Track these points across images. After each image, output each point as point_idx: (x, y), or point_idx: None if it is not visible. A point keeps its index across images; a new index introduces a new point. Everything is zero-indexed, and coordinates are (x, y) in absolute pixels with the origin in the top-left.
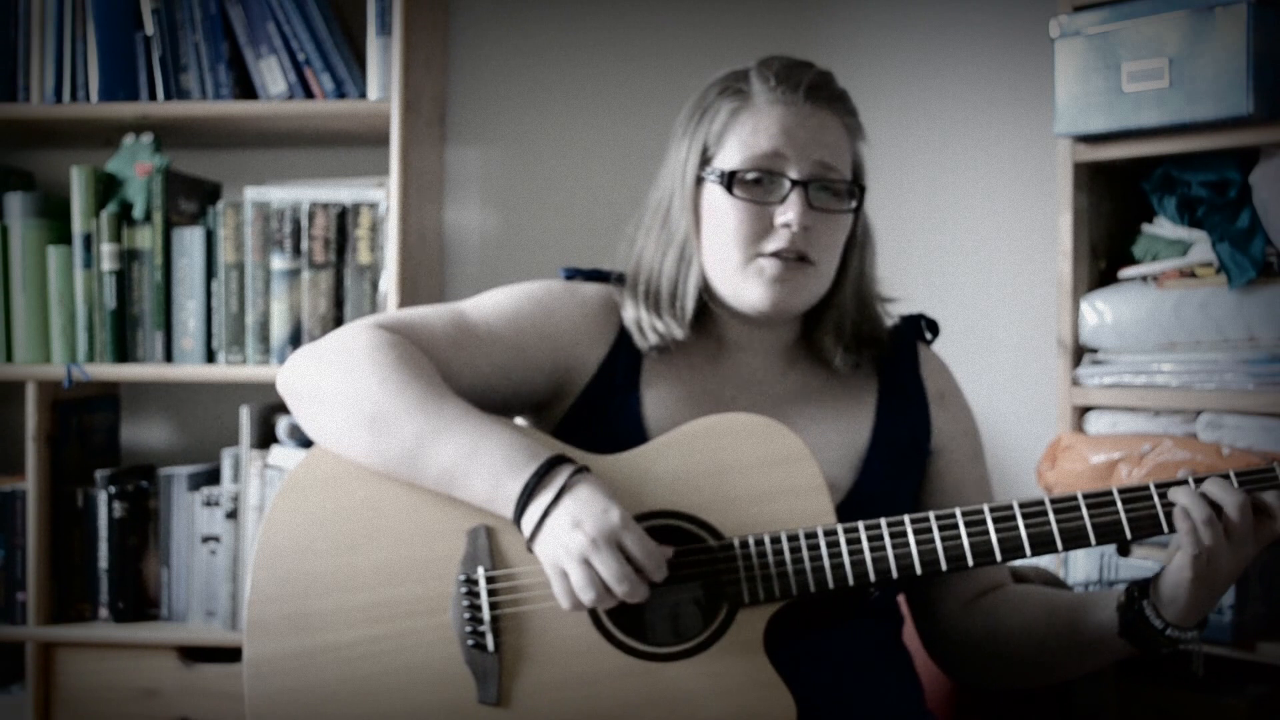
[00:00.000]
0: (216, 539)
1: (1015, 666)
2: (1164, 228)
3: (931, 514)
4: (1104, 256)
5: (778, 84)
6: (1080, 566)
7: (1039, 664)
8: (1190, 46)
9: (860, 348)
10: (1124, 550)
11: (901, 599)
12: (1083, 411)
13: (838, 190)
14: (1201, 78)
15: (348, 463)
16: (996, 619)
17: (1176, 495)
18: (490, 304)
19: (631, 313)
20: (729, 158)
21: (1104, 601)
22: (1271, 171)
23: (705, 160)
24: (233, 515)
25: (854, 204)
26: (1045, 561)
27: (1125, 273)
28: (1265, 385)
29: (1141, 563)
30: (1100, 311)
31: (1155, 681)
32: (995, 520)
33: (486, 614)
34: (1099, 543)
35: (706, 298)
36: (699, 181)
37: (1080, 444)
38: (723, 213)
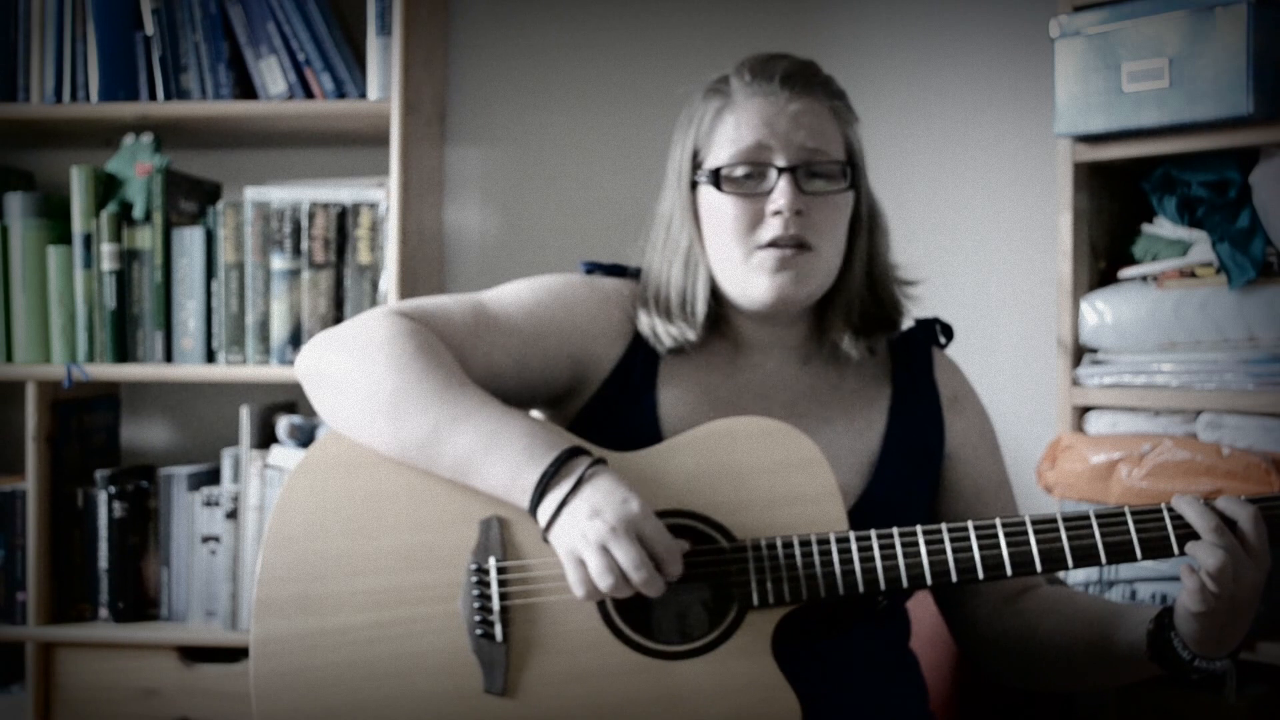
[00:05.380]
0: (216, 539)
1: (1048, 671)
2: (1164, 228)
3: (944, 525)
4: (1104, 256)
5: (753, 78)
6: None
7: (1071, 672)
8: (1190, 46)
9: (871, 331)
10: None
11: (927, 601)
12: (1083, 411)
13: (829, 173)
14: (1201, 78)
15: (362, 448)
16: (1030, 623)
17: (1183, 508)
18: (510, 295)
19: (646, 321)
20: (717, 156)
21: (1135, 620)
22: (1271, 171)
23: (697, 164)
24: (233, 515)
25: (848, 184)
26: None
27: (1125, 273)
28: (1265, 385)
29: (1141, 563)
30: (1100, 311)
31: (1155, 681)
32: (1007, 535)
33: (496, 604)
34: (1109, 562)
35: (718, 300)
36: (694, 186)
37: (1080, 444)
38: (717, 211)
